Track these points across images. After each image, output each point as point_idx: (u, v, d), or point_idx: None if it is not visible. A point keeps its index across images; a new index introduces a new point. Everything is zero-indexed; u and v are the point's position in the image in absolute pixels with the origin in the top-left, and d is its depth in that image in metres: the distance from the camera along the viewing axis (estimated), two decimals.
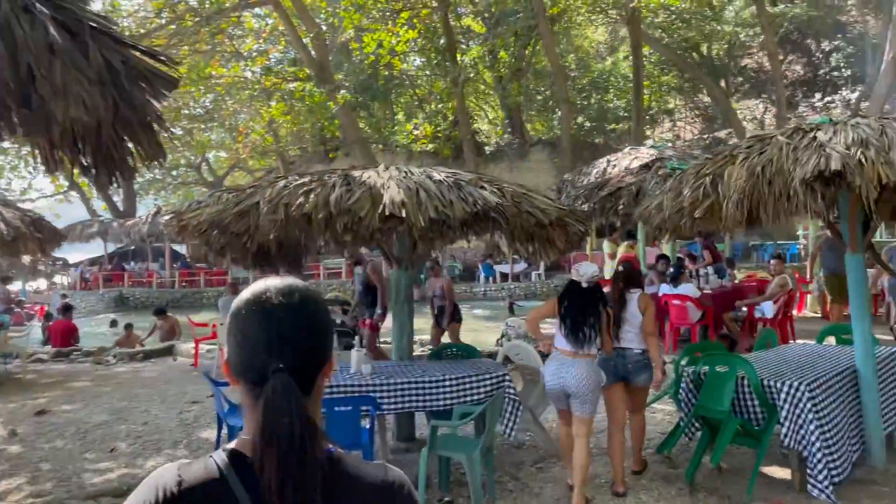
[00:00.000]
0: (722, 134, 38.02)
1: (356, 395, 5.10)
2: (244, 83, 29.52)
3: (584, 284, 4.60)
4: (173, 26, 25.31)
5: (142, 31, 25.63)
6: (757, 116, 40.53)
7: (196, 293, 26.60)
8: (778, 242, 24.49)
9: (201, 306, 23.60)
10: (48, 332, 13.37)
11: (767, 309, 8.59)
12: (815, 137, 4.48)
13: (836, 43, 42.82)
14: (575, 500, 4.55)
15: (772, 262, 9.09)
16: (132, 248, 32.94)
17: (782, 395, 4.69)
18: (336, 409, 4.85)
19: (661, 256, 9.66)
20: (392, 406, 5.26)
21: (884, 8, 38.16)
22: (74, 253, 31.52)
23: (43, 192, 40.85)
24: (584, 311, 4.55)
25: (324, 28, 26.65)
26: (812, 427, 4.58)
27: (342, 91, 24.70)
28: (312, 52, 26.34)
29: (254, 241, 5.25)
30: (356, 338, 8.82)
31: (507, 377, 5.41)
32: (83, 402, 8.04)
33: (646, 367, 4.90)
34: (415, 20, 26.33)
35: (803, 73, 42.20)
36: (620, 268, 5.04)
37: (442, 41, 26.12)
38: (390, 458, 5.74)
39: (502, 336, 12.82)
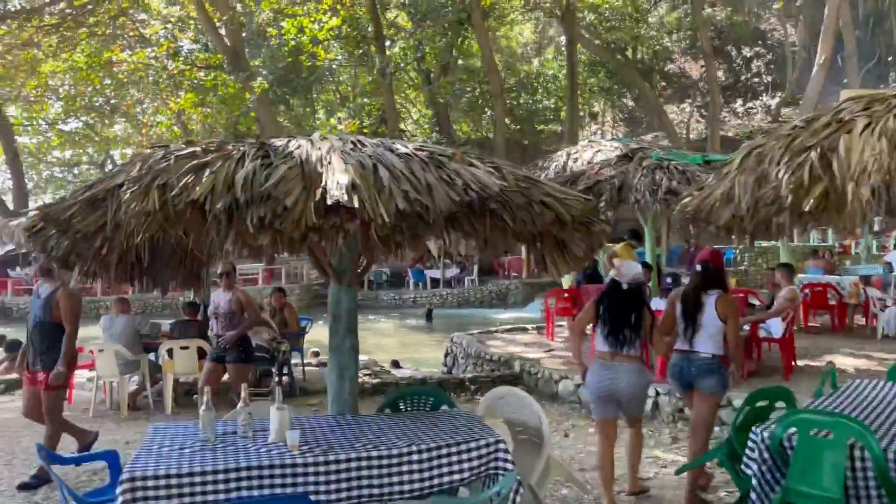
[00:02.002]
0: (648, 137, 37.68)
1: (279, 491, 3.28)
2: (149, 70, 26.74)
3: (625, 285, 4.40)
4: (66, 1, 22.44)
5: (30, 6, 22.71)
6: (685, 120, 40.46)
7: (92, 303, 23.74)
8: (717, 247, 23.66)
9: (98, 318, 20.85)
10: None
11: (775, 327, 7.21)
12: None
13: (756, 49, 43.45)
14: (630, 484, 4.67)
15: (777, 271, 7.73)
16: (21, 251, 29.52)
17: None
18: None
19: (644, 265, 8.16)
20: (332, 499, 3.45)
21: (804, 16, 38.86)
22: None
23: None
24: (625, 311, 4.40)
25: (239, 9, 24.30)
26: None
27: (258, 79, 22.43)
28: (226, 39, 24.00)
29: (111, 247, 3.34)
30: (279, 377, 6.78)
31: (501, 446, 3.70)
32: None
33: (713, 371, 4.45)
34: (338, 6, 24.38)
35: (724, 79, 42.52)
36: (698, 267, 4.43)
37: (370, 28, 24.19)
38: None
39: (447, 355, 11.16)
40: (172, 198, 3.02)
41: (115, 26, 26.19)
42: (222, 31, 23.90)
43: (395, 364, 11.56)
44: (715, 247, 7.20)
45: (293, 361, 8.68)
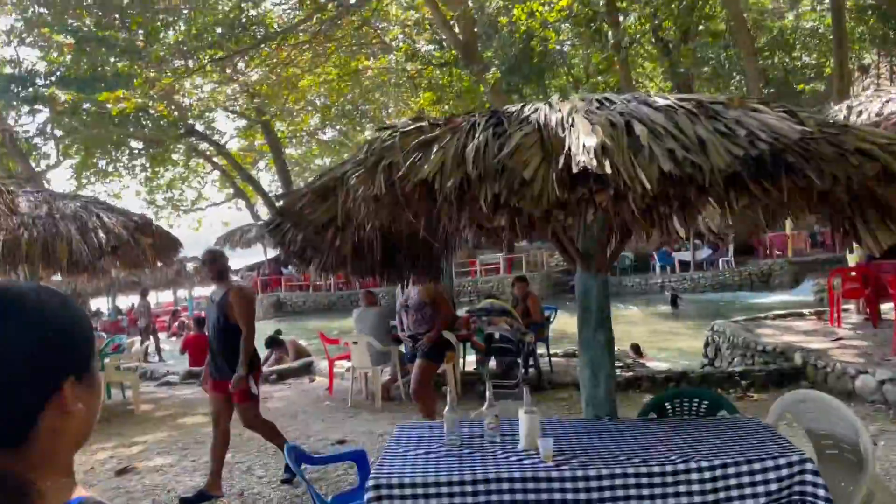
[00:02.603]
0: None
1: None
2: (391, 74, 28.24)
3: None
4: (315, 18, 24.31)
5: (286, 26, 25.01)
6: None
7: (351, 297, 25.61)
8: None
9: (350, 311, 22.29)
10: (183, 346, 12.34)
11: None
12: None
13: None
14: None
15: None
16: None
17: None
18: None
19: None
20: None
21: None
22: (236, 258, 31.89)
23: (212, 200, 42.17)
24: None
25: (470, 4, 24.63)
26: None
27: (491, 70, 22.55)
28: (459, 35, 24.43)
29: (344, 238, 3.12)
30: (524, 369, 6.42)
31: (808, 466, 2.92)
32: (182, 451, 6.40)
33: None
34: None
35: None
36: None
37: (601, 2, 23.17)
38: None
39: (707, 345, 10.09)
40: (399, 179, 2.70)
41: (359, 37, 27.91)
42: (456, 29, 24.36)
43: (636, 349, 10.76)
44: None
45: (539, 352, 8.32)
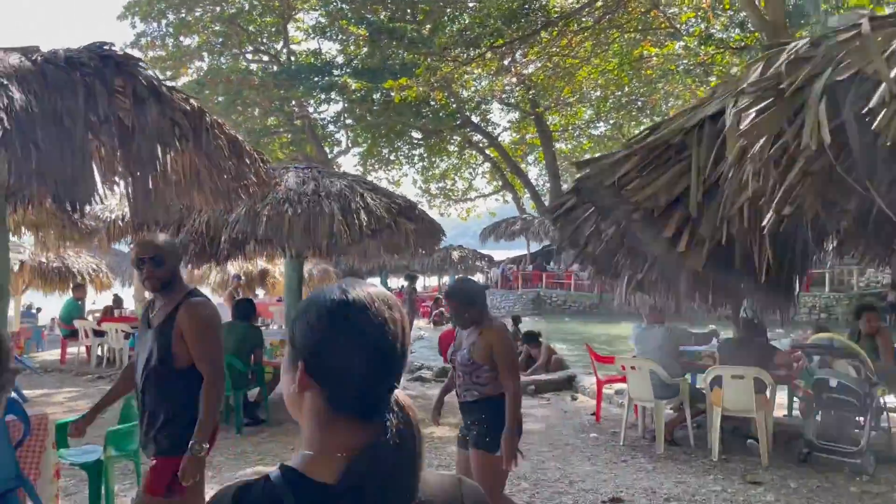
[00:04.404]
0: None
1: None
2: (679, 61, 25.78)
3: None
4: (600, 2, 22.81)
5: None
6: None
7: (614, 301, 23.83)
8: None
9: (615, 315, 20.31)
10: (439, 342, 11.72)
11: None
12: None
13: None
14: None
15: None
16: (555, 246, 31.83)
17: None
18: None
19: None
20: None
21: None
22: (500, 250, 31.68)
23: (481, 191, 42.67)
24: None
25: None
26: None
27: None
28: (766, 14, 21.34)
29: (694, 235, 1.70)
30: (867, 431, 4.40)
31: None
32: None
33: None
34: None
35: None
36: None
37: None
38: None
39: None
40: (860, 116, 1.21)
41: (645, 22, 25.86)
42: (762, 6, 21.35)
43: None
44: None
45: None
